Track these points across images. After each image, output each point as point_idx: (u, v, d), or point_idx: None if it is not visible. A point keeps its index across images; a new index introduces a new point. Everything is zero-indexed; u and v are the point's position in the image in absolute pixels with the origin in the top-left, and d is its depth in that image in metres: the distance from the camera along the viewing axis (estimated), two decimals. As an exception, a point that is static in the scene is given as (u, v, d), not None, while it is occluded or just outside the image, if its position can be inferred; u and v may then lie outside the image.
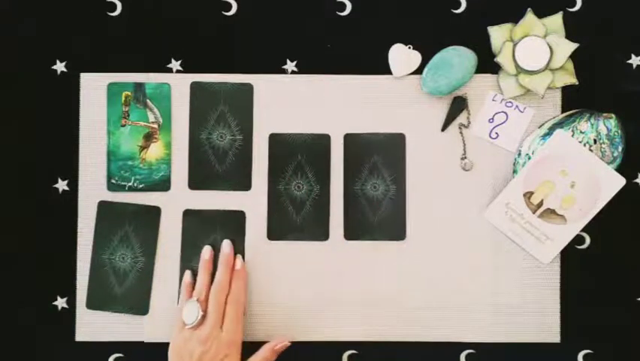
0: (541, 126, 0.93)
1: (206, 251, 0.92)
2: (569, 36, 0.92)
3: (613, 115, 0.92)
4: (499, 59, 0.92)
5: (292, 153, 0.94)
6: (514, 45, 0.92)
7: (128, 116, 0.94)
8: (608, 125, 0.91)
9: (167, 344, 0.90)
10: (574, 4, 0.95)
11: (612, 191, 0.90)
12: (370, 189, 0.94)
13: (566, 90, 0.94)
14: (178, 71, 0.95)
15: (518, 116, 0.94)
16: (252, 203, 0.94)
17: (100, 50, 0.94)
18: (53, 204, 0.94)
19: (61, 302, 0.94)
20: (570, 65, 0.92)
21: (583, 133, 0.91)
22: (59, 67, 0.94)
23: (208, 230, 0.94)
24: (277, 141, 0.94)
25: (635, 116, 0.93)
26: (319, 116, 0.94)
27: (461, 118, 0.94)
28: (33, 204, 0.94)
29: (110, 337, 0.93)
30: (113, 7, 0.95)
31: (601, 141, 0.91)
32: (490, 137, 0.94)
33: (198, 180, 0.94)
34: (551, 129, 0.92)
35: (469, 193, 0.94)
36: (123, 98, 0.94)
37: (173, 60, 0.95)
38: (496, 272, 0.94)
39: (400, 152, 0.94)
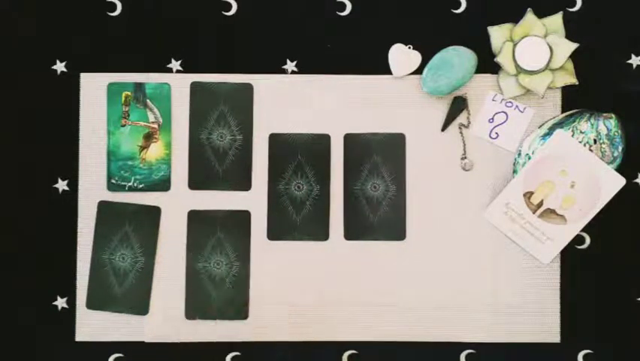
0: (541, 126, 0.93)
1: None
2: (569, 36, 0.92)
3: (613, 115, 0.92)
4: (499, 59, 0.92)
5: (292, 153, 0.94)
6: (514, 45, 0.92)
7: (128, 116, 0.94)
8: (608, 125, 0.91)
9: (167, 344, 0.90)
10: (574, 4, 0.95)
11: (612, 191, 0.90)
12: (370, 189, 0.94)
13: (566, 90, 0.94)
14: (178, 71, 0.95)
15: (518, 116, 0.94)
16: (252, 203, 0.94)
17: (100, 50, 0.94)
18: (53, 204, 0.94)
19: (61, 302, 0.94)
20: (570, 65, 0.92)
21: (583, 133, 0.91)
22: (59, 67, 0.94)
23: (211, 230, 0.94)
24: (277, 141, 0.94)
25: (635, 116, 0.93)
26: (319, 116, 0.94)
27: (461, 118, 0.94)
28: (33, 204, 0.94)
29: (110, 337, 0.93)
30: (113, 7, 0.95)
31: (601, 141, 0.91)
32: (490, 137, 0.94)
33: (198, 180, 0.94)
34: (551, 129, 0.92)
35: (469, 193, 0.94)
36: (123, 98, 0.94)
37: (173, 60, 0.95)
38: (496, 272, 0.94)
39: (400, 152, 0.94)
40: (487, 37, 0.93)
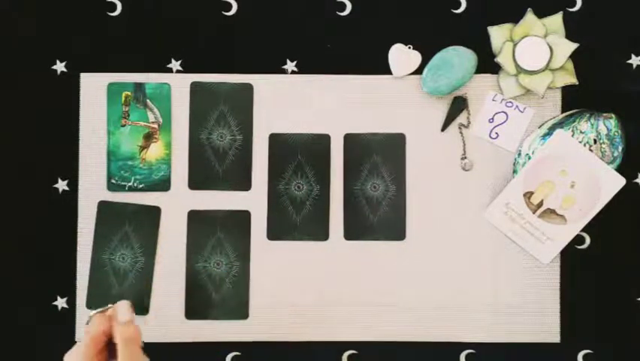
0: (541, 126, 0.93)
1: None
2: (569, 36, 0.92)
3: (613, 115, 0.92)
4: (499, 59, 0.92)
5: (292, 153, 0.94)
6: (514, 45, 0.92)
7: (128, 116, 0.94)
8: (608, 125, 0.91)
9: (167, 343, 0.90)
10: (574, 4, 0.95)
11: (612, 191, 0.90)
12: (370, 189, 0.94)
13: (566, 90, 0.94)
14: (178, 71, 0.95)
15: (518, 116, 0.94)
16: (252, 203, 0.94)
17: (100, 50, 0.94)
18: (53, 204, 0.94)
19: (61, 302, 0.94)
20: (570, 65, 0.92)
21: (583, 133, 0.91)
22: (59, 67, 0.94)
23: (211, 230, 0.94)
24: (277, 141, 0.94)
25: (635, 116, 0.93)
26: (319, 116, 0.94)
27: (461, 118, 0.94)
28: (33, 204, 0.94)
29: (110, 337, 0.93)
30: (113, 7, 0.95)
31: (601, 141, 0.91)
32: (490, 137, 0.94)
33: (198, 180, 0.94)
34: (551, 129, 0.92)
35: (469, 193, 0.94)
36: (123, 98, 0.94)
37: (173, 60, 0.95)
38: (496, 272, 0.94)
39: (400, 152, 0.94)
40: (487, 37, 0.93)
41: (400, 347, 0.94)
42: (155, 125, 0.94)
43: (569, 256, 0.93)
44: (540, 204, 0.91)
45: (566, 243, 0.91)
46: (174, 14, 0.95)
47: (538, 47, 0.91)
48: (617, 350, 0.94)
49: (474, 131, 0.94)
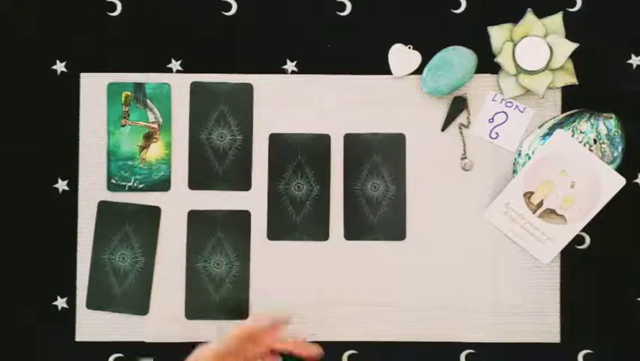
0: (541, 126, 0.93)
1: None
2: (569, 36, 0.92)
3: (613, 115, 0.92)
4: (499, 59, 0.92)
5: (292, 153, 0.94)
6: (514, 45, 0.92)
7: (128, 116, 0.94)
8: (608, 125, 0.91)
9: (167, 343, 0.90)
10: (574, 4, 0.95)
11: (612, 191, 0.90)
12: (370, 189, 0.94)
13: (566, 90, 0.94)
14: (178, 71, 0.95)
15: (518, 116, 0.94)
16: (252, 203, 0.94)
17: (100, 50, 0.94)
18: (53, 204, 0.94)
19: (61, 302, 0.94)
20: (570, 65, 0.92)
21: (583, 133, 0.91)
22: (59, 67, 0.94)
23: (211, 230, 0.94)
24: (277, 141, 0.94)
25: (635, 116, 0.93)
26: (319, 116, 0.94)
27: (461, 118, 0.94)
28: (33, 204, 0.94)
29: (110, 337, 0.93)
30: (113, 7, 0.95)
31: (601, 141, 0.91)
32: (490, 137, 0.94)
33: (198, 180, 0.94)
34: (551, 129, 0.92)
35: (469, 193, 0.94)
36: (123, 98, 0.94)
37: (173, 60, 0.95)
38: (496, 272, 0.94)
39: (400, 152, 0.94)
40: (487, 37, 0.93)
41: (400, 347, 0.93)
42: (155, 125, 0.94)
43: (569, 256, 0.93)
44: (540, 204, 0.91)
45: (566, 243, 0.91)
46: (174, 14, 0.95)
47: (538, 46, 0.91)
48: (617, 350, 0.94)
49: (474, 131, 0.94)
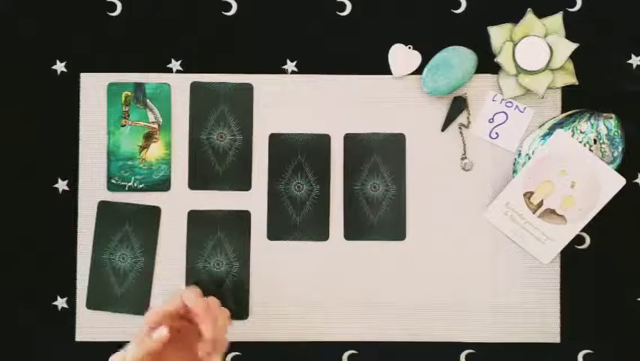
0: (541, 126, 0.93)
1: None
2: (569, 36, 0.92)
3: (613, 115, 0.92)
4: (499, 59, 0.92)
5: (292, 153, 0.94)
6: (514, 45, 0.92)
7: (128, 116, 0.94)
8: (608, 125, 0.91)
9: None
10: (574, 4, 0.95)
11: (612, 191, 0.90)
12: (370, 189, 0.94)
13: (566, 90, 0.94)
14: (178, 71, 0.95)
15: (518, 116, 0.94)
16: (252, 203, 0.94)
17: (100, 50, 0.94)
18: (53, 204, 0.94)
19: (61, 302, 0.94)
20: (570, 65, 0.92)
21: (583, 133, 0.91)
22: (59, 67, 0.94)
23: (211, 230, 0.94)
24: (277, 141, 0.94)
25: (635, 116, 0.93)
26: (319, 116, 0.94)
27: (461, 118, 0.94)
28: (33, 204, 0.94)
29: (110, 337, 0.93)
30: (113, 7, 0.95)
31: (601, 141, 0.91)
32: (490, 137, 0.94)
33: (198, 180, 0.94)
34: (551, 129, 0.92)
35: (469, 193, 0.94)
36: (123, 98, 0.94)
37: (173, 60, 0.95)
38: (496, 272, 0.94)
39: (400, 152, 0.94)
40: (487, 37, 0.93)
41: (400, 347, 0.94)
42: (155, 125, 0.94)
43: (569, 256, 0.93)
44: (540, 204, 0.91)
45: (566, 243, 0.91)
46: (174, 14, 0.95)
47: (538, 46, 0.91)
48: (617, 350, 0.94)
49: (474, 131, 0.94)
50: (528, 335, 0.94)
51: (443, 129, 0.94)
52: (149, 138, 0.94)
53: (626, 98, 0.94)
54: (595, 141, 0.91)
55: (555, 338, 0.94)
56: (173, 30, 0.95)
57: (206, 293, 0.93)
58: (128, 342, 0.93)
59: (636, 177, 0.94)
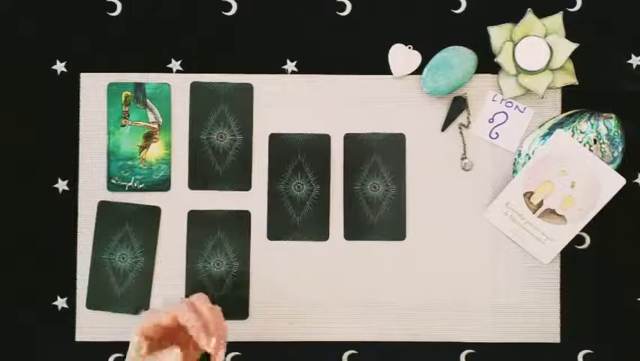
0: (541, 126, 0.93)
1: None
2: (569, 36, 0.92)
3: (613, 115, 0.92)
4: (499, 59, 0.92)
5: (292, 153, 0.94)
6: (514, 45, 0.92)
7: (128, 116, 0.94)
8: (608, 125, 0.91)
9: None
10: (574, 4, 0.95)
11: (612, 191, 0.90)
12: (370, 189, 0.94)
13: (566, 90, 0.94)
14: (178, 71, 0.95)
15: (518, 116, 0.94)
16: (252, 203, 0.94)
17: (100, 50, 0.94)
18: (53, 204, 0.94)
19: (61, 302, 0.94)
20: (570, 65, 0.92)
21: (583, 133, 0.91)
22: (59, 67, 0.94)
23: (211, 230, 0.94)
24: (277, 141, 0.94)
25: (635, 116, 0.93)
26: (319, 116, 0.94)
27: (461, 118, 0.94)
28: (33, 204, 0.94)
29: (110, 337, 0.93)
30: (113, 7, 0.95)
31: (601, 141, 0.91)
32: (490, 137, 0.94)
33: (198, 180, 0.94)
34: (551, 129, 0.92)
35: (469, 193, 0.94)
36: (123, 98, 0.94)
37: (173, 60, 0.95)
38: (496, 272, 0.94)
39: (400, 152, 0.94)
40: (487, 37, 0.93)
41: (400, 347, 0.94)
42: (155, 125, 0.94)
43: (569, 256, 0.93)
44: (540, 204, 0.91)
45: (566, 243, 0.91)
46: (174, 14, 0.95)
47: (538, 46, 0.91)
48: (617, 350, 0.94)
49: (474, 131, 0.94)
50: (528, 335, 0.94)
51: (443, 129, 0.94)
52: (149, 138, 0.94)
53: (626, 98, 0.94)
54: (595, 141, 0.91)
55: (555, 338, 0.94)
56: (173, 30, 0.95)
57: (205, 293, 0.93)
58: (127, 342, 0.94)
59: (636, 177, 0.94)
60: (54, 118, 0.94)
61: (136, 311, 0.93)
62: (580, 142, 0.91)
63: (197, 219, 0.94)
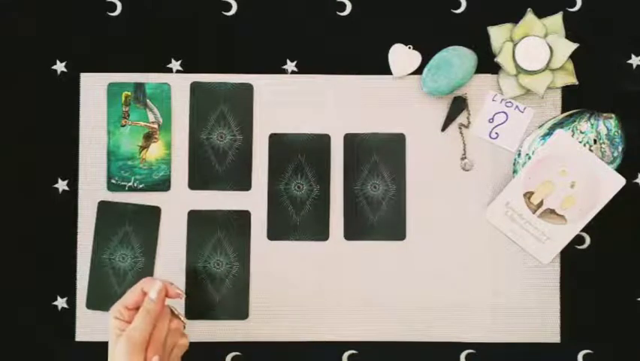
0: (541, 126, 0.93)
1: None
2: (569, 36, 0.92)
3: (613, 115, 0.92)
4: (499, 59, 0.92)
5: (292, 153, 0.94)
6: (514, 45, 0.92)
7: (128, 116, 0.94)
8: (608, 125, 0.91)
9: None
10: (574, 4, 0.95)
11: (612, 191, 0.90)
12: (370, 189, 0.94)
13: (566, 90, 0.94)
14: (178, 71, 0.95)
15: (518, 116, 0.94)
16: (252, 203, 0.94)
17: (100, 50, 0.94)
18: (53, 204, 0.94)
19: (61, 302, 0.94)
20: (570, 65, 0.92)
21: (583, 133, 0.91)
22: (59, 67, 0.94)
23: (211, 230, 0.94)
24: (277, 141, 0.94)
25: (635, 116, 0.94)
26: (319, 116, 0.94)
27: (461, 118, 0.94)
28: (33, 204, 0.94)
29: (110, 337, 0.93)
30: (113, 7, 0.95)
31: (601, 141, 0.91)
32: (490, 137, 0.94)
33: (198, 180, 0.94)
34: (551, 129, 0.92)
35: (469, 193, 0.94)
36: (123, 98, 0.94)
37: (173, 60, 0.95)
38: (496, 272, 0.94)
39: (400, 152, 0.94)
40: (487, 37, 0.93)
41: (400, 347, 0.94)
42: (155, 125, 0.94)
43: (569, 256, 0.93)
44: (540, 204, 0.91)
45: (566, 243, 0.91)
46: (174, 14, 0.95)
47: (538, 46, 0.91)
48: (617, 350, 0.94)
49: (474, 131, 0.94)
50: (528, 335, 0.94)
51: (443, 129, 0.94)
52: (149, 138, 0.94)
53: (626, 98, 0.94)
54: (595, 141, 0.91)
55: (555, 338, 0.94)
56: (173, 30, 0.95)
57: (206, 293, 0.93)
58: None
59: (636, 177, 0.94)
60: (54, 118, 0.94)
61: (136, 311, 0.93)
62: (580, 142, 0.91)
63: (197, 219, 0.94)
